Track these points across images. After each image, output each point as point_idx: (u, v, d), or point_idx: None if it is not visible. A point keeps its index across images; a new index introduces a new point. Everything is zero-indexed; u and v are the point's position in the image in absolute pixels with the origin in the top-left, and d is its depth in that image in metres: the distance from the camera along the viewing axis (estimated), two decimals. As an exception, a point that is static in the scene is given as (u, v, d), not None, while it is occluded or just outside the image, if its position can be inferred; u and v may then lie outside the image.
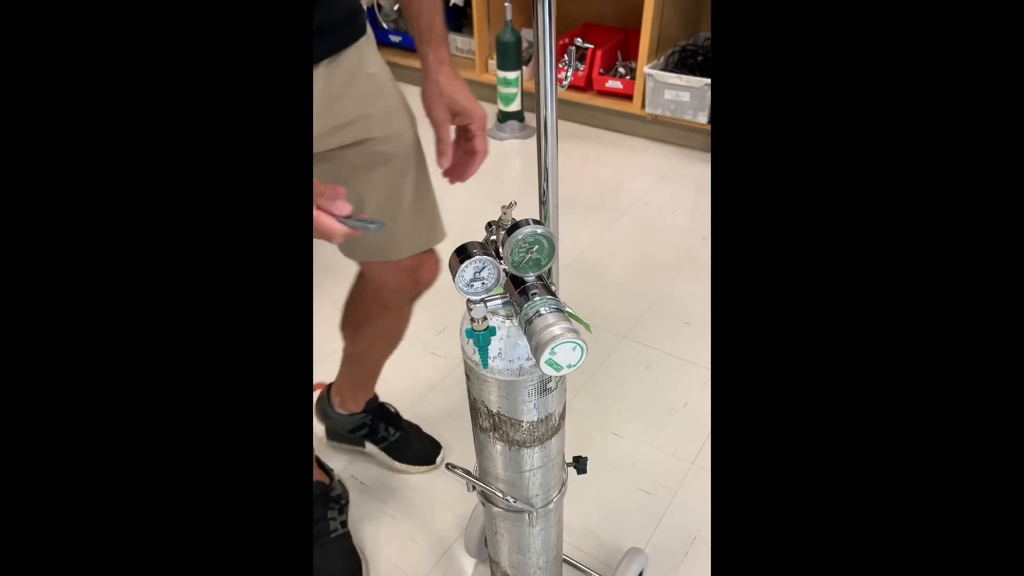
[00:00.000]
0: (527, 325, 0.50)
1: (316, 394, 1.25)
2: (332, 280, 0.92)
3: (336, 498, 1.09)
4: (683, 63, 2.14)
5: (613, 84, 2.22)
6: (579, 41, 2.30)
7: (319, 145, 0.74)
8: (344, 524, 1.08)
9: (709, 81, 2.01)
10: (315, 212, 0.52)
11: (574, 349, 0.48)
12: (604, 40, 2.30)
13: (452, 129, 0.76)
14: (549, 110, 0.54)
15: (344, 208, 0.53)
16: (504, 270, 0.52)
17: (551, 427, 0.63)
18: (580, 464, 0.76)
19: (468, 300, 0.52)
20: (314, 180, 0.52)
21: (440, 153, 0.74)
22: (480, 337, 0.53)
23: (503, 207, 0.53)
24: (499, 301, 0.53)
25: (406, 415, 1.36)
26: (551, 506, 0.71)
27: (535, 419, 0.60)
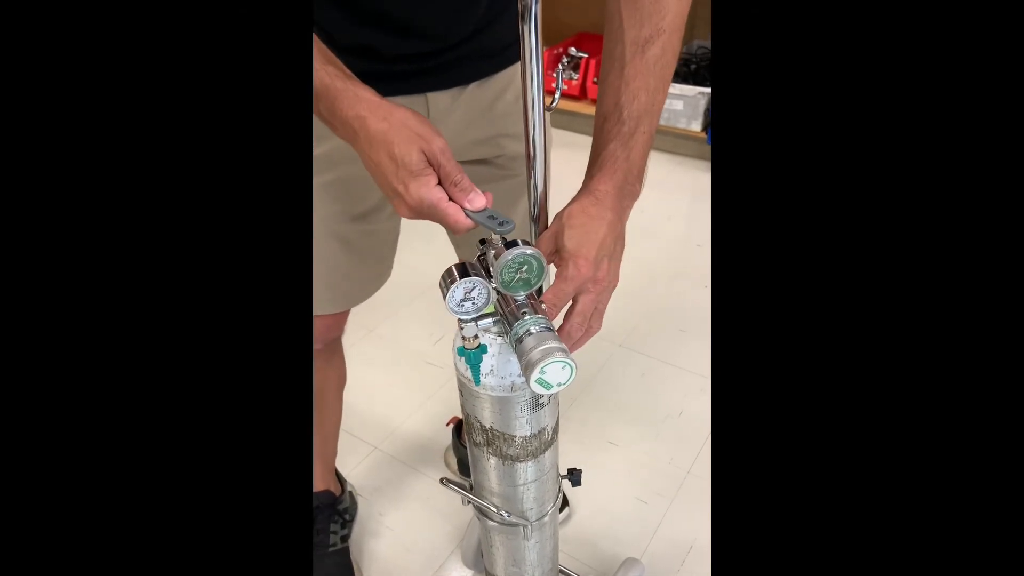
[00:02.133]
0: (517, 344, 0.50)
1: (450, 426, 1.24)
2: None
3: (342, 512, 1.07)
4: (676, 72, 2.15)
5: (607, 92, 2.23)
6: (573, 50, 2.30)
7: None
8: (344, 539, 1.07)
9: (703, 90, 2.02)
10: (444, 201, 0.49)
11: (564, 368, 0.49)
12: (599, 49, 2.28)
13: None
14: (537, 130, 0.55)
15: (477, 202, 0.50)
16: (495, 288, 0.52)
17: (544, 441, 0.63)
18: (575, 477, 0.77)
19: (459, 320, 0.52)
20: (452, 168, 0.49)
21: None
22: (471, 355, 0.53)
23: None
24: (490, 319, 0.54)
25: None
26: (546, 519, 0.71)
27: (528, 434, 0.61)
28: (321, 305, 0.82)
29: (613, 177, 0.56)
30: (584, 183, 0.57)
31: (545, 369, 0.48)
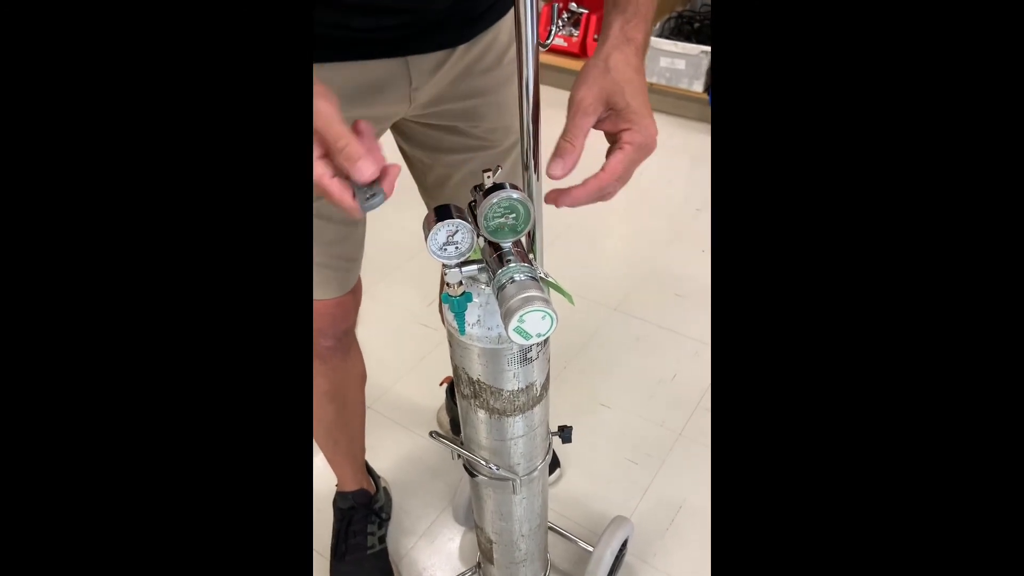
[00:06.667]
0: (499, 291, 0.49)
1: (444, 386, 1.22)
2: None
3: (378, 511, 1.04)
4: (679, 30, 2.10)
5: (608, 52, 2.17)
6: (573, 6, 2.24)
7: (411, 112, 0.70)
8: (382, 540, 1.03)
9: (705, 48, 1.97)
10: (325, 177, 0.43)
11: (544, 318, 0.47)
12: (599, 5, 2.24)
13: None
14: (530, 71, 0.52)
15: (365, 171, 0.42)
16: (482, 236, 0.50)
17: (533, 397, 0.62)
18: (565, 433, 0.76)
19: (443, 264, 0.51)
20: (334, 132, 0.42)
21: (560, 151, 0.48)
22: (456, 302, 0.52)
23: (485, 171, 0.52)
24: (475, 266, 0.52)
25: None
26: (535, 474, 0.71)
27: (515, 388, 0.60)
28: (322, 289, 0.77)
29: (645, 24, 0.48)
30: (615, 24, 0.49)
31: (524, 318, 0.47)
